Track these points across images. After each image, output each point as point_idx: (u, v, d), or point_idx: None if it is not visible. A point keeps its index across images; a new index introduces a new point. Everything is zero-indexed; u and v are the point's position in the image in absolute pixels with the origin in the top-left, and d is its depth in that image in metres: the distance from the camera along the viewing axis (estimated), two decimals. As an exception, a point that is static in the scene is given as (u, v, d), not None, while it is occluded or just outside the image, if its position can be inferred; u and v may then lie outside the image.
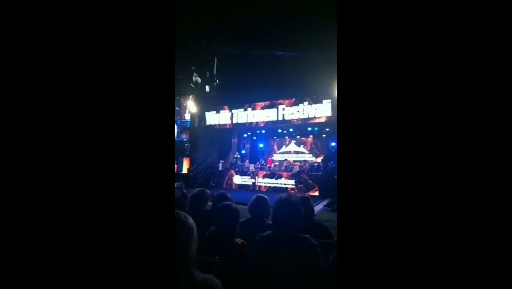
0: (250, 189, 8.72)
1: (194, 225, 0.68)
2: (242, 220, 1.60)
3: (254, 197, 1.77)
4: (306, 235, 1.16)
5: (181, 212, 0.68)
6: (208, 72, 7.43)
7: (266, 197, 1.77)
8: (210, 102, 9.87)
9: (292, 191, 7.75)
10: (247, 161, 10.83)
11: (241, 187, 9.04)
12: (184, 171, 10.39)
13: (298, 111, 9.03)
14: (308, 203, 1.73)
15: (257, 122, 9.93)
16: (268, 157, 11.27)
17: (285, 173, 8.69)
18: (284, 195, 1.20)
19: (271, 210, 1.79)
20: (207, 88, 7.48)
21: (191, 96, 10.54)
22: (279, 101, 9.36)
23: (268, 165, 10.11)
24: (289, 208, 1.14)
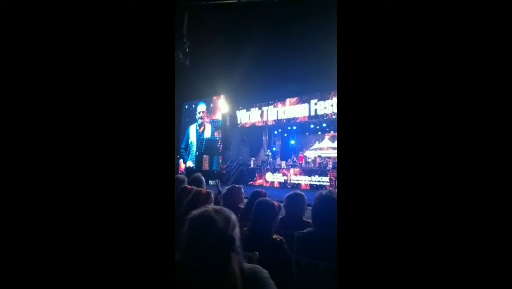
0: (287, 186, 8.66)
1: (236, 221, 0.71)
2: (279, 216, 1.58)
3: (290, 193, 1.74)
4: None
5: (224, 208, 0.71)
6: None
7: (303, 193, 1.72)
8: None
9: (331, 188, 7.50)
10: (279, 158, 10.77)
11: (273, 184, 9.03)
12: (218, 168, 10.74)
13: (332, 105, 8.68)
14: None
15: (288, 119, 9.81)
16: (299, 154, 11.06)
17: (319, 170, 8.45)
18: (324, 191, 1.15)
19: (307, 207, 1.74)
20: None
21: (221, 96, 10.79)
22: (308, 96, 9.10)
23: (299, 162, 9.92)
24: (330, 205, 1.09)
